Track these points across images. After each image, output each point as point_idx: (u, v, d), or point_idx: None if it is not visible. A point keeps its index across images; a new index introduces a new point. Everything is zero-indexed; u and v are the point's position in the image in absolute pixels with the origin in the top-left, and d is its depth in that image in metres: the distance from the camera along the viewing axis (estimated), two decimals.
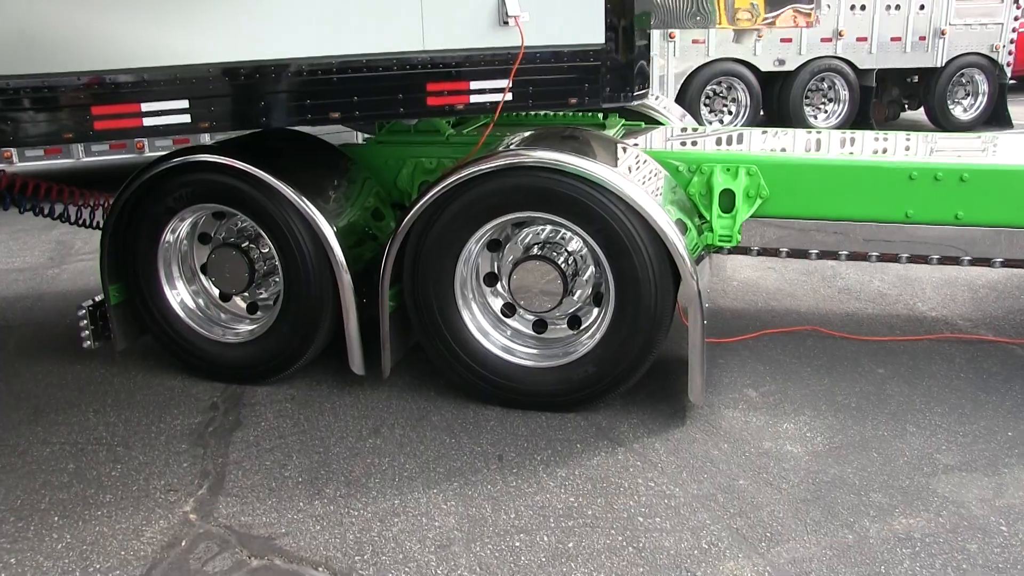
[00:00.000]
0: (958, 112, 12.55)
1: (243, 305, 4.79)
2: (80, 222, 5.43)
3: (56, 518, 3.52)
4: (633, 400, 4.27)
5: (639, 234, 3.83)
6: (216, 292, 4.79)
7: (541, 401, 4.18)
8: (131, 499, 3.64)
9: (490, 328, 4.28)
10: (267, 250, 4.60)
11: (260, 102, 3.86)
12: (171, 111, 3.77)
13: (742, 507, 3.44)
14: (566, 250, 4.19)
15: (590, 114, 5.36)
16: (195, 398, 4.54)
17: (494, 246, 4.24)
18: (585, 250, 4.18)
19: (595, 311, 4.23)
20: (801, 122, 11.83)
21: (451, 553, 3.23)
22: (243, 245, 4.54)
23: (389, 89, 4.02)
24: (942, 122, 12.42)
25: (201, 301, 4.74)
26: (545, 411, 4.18)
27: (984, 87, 12.42)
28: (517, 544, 3.27)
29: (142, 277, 4.59)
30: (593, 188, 3.83)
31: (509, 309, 4.34)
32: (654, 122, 5.66)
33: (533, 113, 5.40)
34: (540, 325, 4.34)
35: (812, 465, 3.71)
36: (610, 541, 3.26)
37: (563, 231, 4.20)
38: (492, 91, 3.97)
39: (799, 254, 4.59)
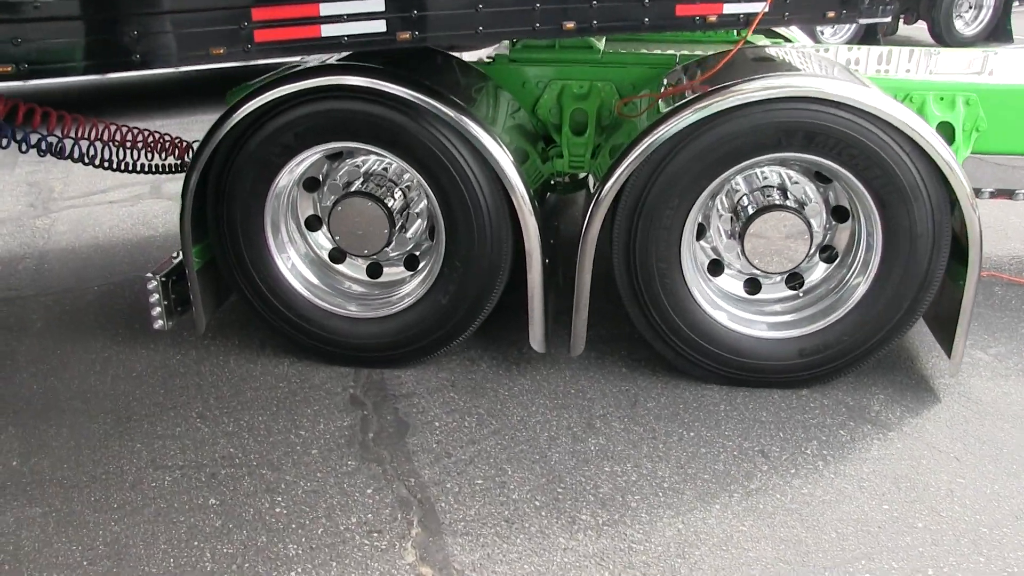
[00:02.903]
0: (959, 26, 12.11)
1: (361, 268, 3.83)
2: (118, 164, 4.20)
3: None
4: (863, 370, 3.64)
5: (924, 182, 3.16)
6: (326, 253, 3.81)
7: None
8: (326, 549, 2.77)
9: (714, 295, 3.56)
10: (402, 200, 3.65)
11: (478, 4, 2.86)
12: (361, 15, 2.74)
13: None
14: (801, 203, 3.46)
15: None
16: (324, 391, 3.61)
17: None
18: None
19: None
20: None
21: None
22: (378, 194, 3.57)
23: None
24: (945, 37, 11.97)
25: (316, 267, 3.76)
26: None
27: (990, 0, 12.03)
28: None
29: (243, 237, 3.55)
30: (873, 124, 3.10)
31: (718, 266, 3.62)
32: (782, 39, 4.90)
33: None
34: (751, 284, 3.64)
35: None
36: (973, 565, 2.70)
37: (794, 176, 3.47)
38: (749, 0, 3.13)
39: (1006, 194, 4.05)
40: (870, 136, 3.11)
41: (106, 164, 4.11)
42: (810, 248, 3.38)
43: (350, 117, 3.31)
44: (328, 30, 2.87)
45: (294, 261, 3.68)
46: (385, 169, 3.68)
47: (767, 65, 3.36)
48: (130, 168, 4.26)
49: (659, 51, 3.96)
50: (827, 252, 3.55)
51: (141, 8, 2.70)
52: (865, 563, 2.68)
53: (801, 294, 3.58)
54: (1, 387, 3.69)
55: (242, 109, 3.32)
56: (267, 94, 3.29)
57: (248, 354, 3.88)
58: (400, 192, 3.65)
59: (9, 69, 2.71)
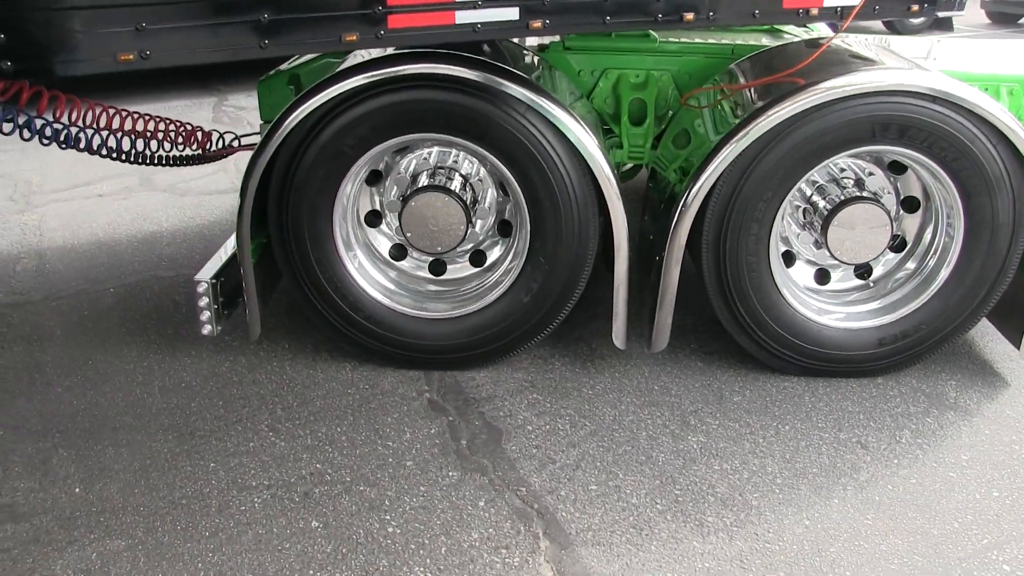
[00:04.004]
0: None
1: (423, 265, 3.65)
2: (136, 156, 3.84)
3: None
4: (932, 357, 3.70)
5: (1008, 173, 3.22)
6: (386, 250, 3.61)
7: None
8: (455, 570, 2.61)
9: (795, 287, 3.55)
10: (471, 193, 3.49)
11: None
12: (494, 1, 2.56)
13: None
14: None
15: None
16: (399, 396, 3.43)
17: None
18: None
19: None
20: None
21: None
22: (452, 187, 3.39)
23: None
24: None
25: (380, 265, 3.57)
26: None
27: None
28: (1006, 568, 2.70)
29: (309, 236, 3.32)
30: (964, 116, 3.14)
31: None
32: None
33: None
34: (821, 274, 3.64)
35: None
36: None
37: (867, 167, 3.48)
38: None
39: None
40: (960, 128, 3.14)
41: (123, 156, 3.78)
42: (890, 238, 3.41)
43: (434, 108, 3.12)
44: (462, 17, 2.70)
45: (361, 260, 3.48)
46: (455, 161, 3.51)
47: (845, 59, 3.35)
48: (148, 160, 3.94)
49: (713, 41, 3.90)
50: (895, 241, 3.59)
51: None
52: (996, 553, 2.72)
53: (871, 284, 3.61)
54: (38, 404, 3.37)
55: (315, 98, 3.09)
56: (344, 82, 3.06)
57: (304, 359, 3.66)
58: (470, 186, 3.49)
59: (132, 57, 2.42)
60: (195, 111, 7.67)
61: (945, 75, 3.16)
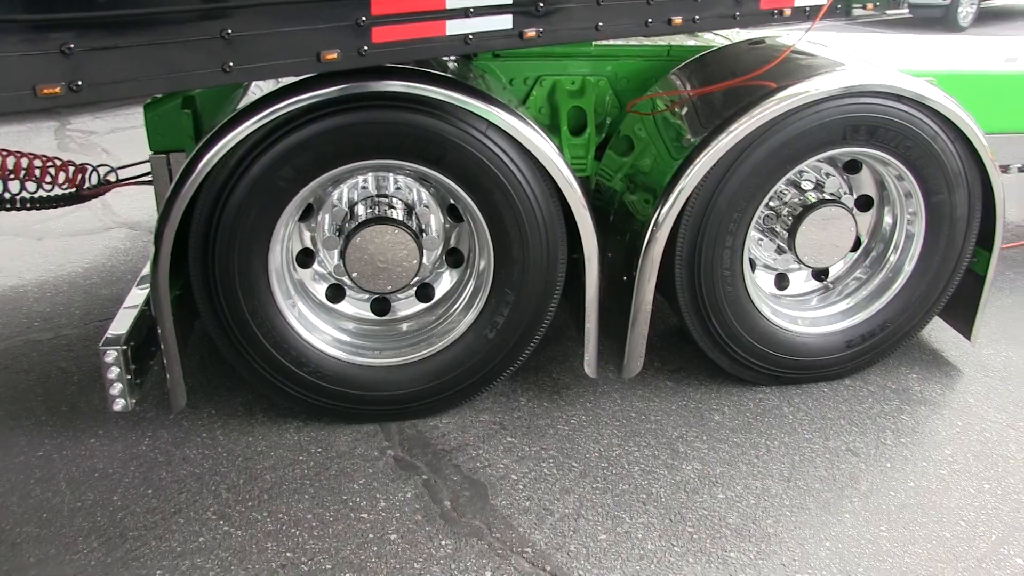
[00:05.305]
0: None
1: (365, 305, 3.25)
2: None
3: None
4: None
5: (964, 167, 3.23)
6: (323, 292, 3.19)
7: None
8: None
9: (766, 297, 3.45)
10: (417, 222, 3.13)
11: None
12: (488, 8, 2.24)
13: None
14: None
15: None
16: (359, 458, 3.02)
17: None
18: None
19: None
20: None
21: None
22: (402, 219, 3.02)
23: None
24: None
25: (319, 310, 3.15)
26: None
27: None
28: (1020, 562, 2.67)
29: (241, 285, 2.86)
30: (926, 115, 3.11)
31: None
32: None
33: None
34: (780, 279, 3.55)
35: None
36: None
37: (824, 168, 3.42)
38: None
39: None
40: (924, 127, 3.12)
41: None
42: (854, 238, 3.36)
43: (386, 130, 2.75)
44: (453, 27, 2.34)
45: (301, 308, 3.05)
46: (398, 187, 3.14)
47: (809, 61, 3.25)
48: (9, 205, 3.32)
49: (649, 43, 3.72)
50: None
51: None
52: (1008, 548, 2.70)
53: (829, 285, 3.56)
54: None
55: (244, 125, 2.64)
56: (279, 105, 2.63)
57: (238, 425, 3.17)
58: (415, 214, 3.14)
59: (58, 90, 1.90)
60: (34, 138, 6.75)
61: (907, 74, 3.12)
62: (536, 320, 3.11)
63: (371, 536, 2.69)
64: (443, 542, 2.67)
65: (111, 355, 2.81)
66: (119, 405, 2.88)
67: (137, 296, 3.12)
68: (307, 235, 3.15)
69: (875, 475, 3.01)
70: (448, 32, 2.36)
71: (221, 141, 2.66)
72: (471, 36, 2.40)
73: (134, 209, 5.36)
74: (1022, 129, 4.14)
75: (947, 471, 3.04)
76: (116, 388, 2.86)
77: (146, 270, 3.04)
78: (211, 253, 2.82)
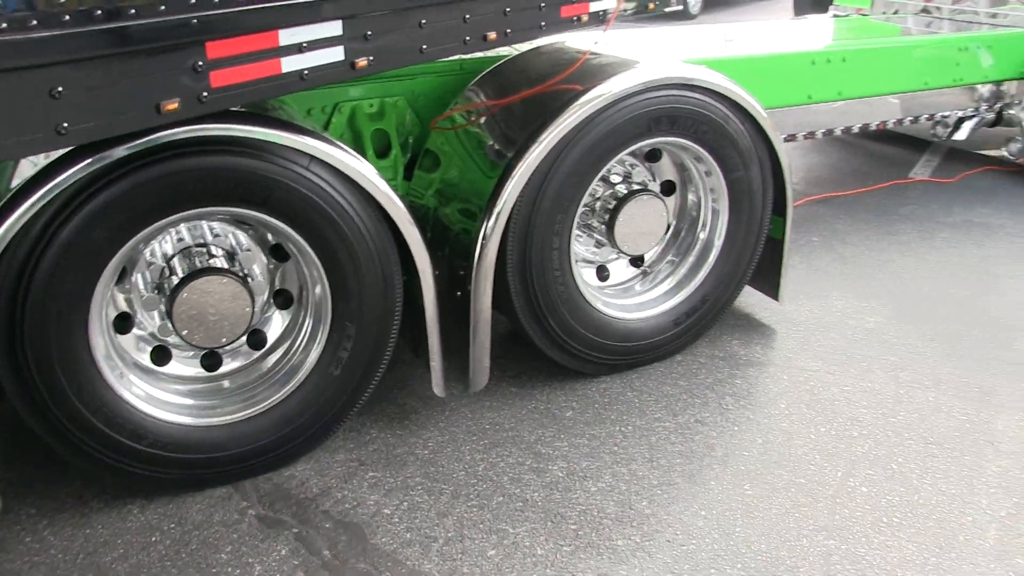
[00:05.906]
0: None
1: (195, 363, 3.01)
2: None
3: None
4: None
5: (755, 145, 3.49)
6: (146, 356, 2.92)
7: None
8: None
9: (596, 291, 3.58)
10: (239, 267, 2.95)
11: (420, 19, 2.39)
12: (319, 42, 2.14)
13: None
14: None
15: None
16: (219, 524, 2.79)
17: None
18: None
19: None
20: None
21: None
22: (229, 267, 2.83)
23: None
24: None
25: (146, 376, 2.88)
26: None
27: None
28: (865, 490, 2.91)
29: (60, 364, 2.55)
30: (718, 100, 3.34)
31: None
32: None
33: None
34: (601, 270, 3.68)
35: None
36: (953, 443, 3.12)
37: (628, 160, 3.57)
38: None
39: None
40: (716, 111, 3.35)
41: None
42: (667, 224, 3.55)
43: (206, 176, 2.56)
44: (288, 64, 2.22)
45: (129, 377, 2.78)
46: (216, 234, 2.95)
47: (604, 61, 3.39)
48: None
49: (441, 60, 3.73)
50: (669, 229, 3.74)
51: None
52: (853, 480, 2.96)
53: (647, 270, 3.73)
54: None
55: (46, 187, 2.37)
56: (90, 159, 2.38)
57: (68, 518, 2.83)
58: (238, 260, 2.96)
59: None
60: None
61: (696, 64, 3.34)
62: (379, 349, 3.03)
63: None
64: None
65: None
66: None
67: None
68: (120, 298, 2.89)
69: (727, 440, 3.19)
70: (284, 69, 2.27)
71: (19, 208, 2.35)
72: (306, 71, 2.32)
73: None
74: (789, 103, 4.56)
75: (787, 423, 3.29)
76: None
77: None
78: (19, 332, 2.50)
